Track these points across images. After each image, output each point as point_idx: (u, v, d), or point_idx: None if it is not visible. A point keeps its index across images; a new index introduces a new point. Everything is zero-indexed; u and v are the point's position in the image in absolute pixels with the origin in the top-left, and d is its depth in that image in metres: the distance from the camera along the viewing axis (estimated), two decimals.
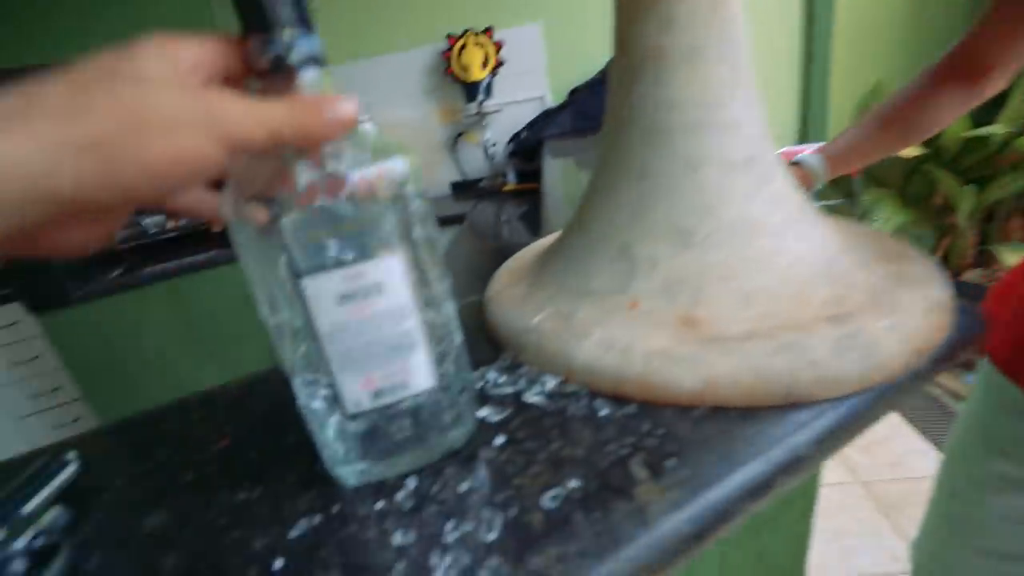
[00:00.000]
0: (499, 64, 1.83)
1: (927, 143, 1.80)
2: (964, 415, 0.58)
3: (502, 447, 0.29)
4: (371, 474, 0.28)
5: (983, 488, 0.54)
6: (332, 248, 0.24)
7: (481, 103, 1.83)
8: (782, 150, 2.06)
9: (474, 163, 1.96)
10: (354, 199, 0.23)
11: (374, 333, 0.25)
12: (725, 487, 0.24)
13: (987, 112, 1.70)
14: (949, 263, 1.86)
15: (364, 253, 0.24)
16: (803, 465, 0.26)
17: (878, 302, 0.33)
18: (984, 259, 1.83)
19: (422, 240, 0.26)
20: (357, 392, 0.26)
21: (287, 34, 0.21)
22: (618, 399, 0.32)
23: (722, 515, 0.24)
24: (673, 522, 0.23)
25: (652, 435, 0.28)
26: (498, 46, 1.81)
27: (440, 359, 0.28)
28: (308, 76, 0.22)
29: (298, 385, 0.27)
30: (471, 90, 1.83)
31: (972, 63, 0.55)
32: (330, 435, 0.28)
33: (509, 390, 0.34)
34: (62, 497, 0.31)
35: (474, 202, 1.76)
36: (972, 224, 1.76)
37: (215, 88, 0.19)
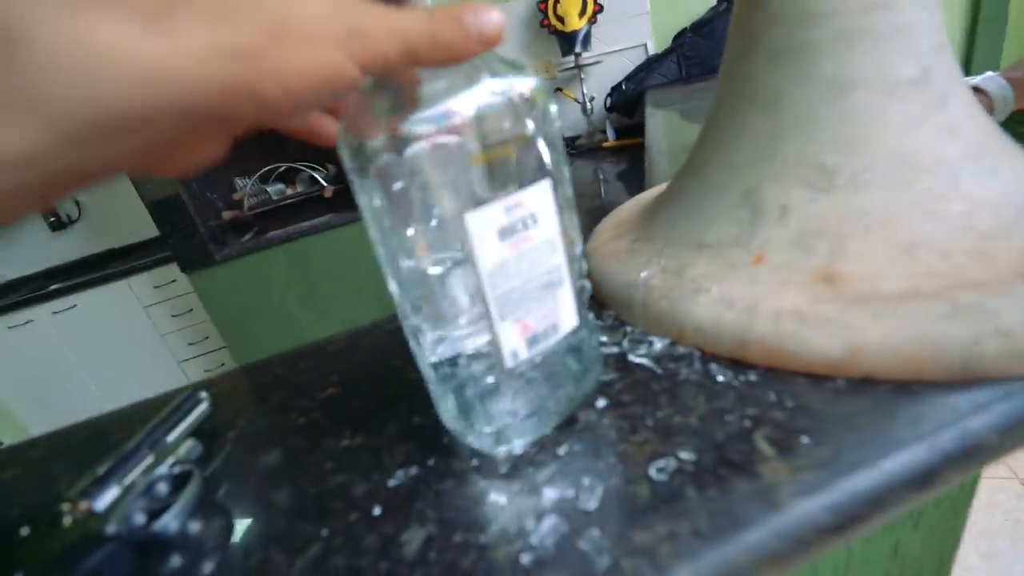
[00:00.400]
0: (598, 11, 1.72)
1: None
2: None
3: (604, 410, 0.27)
4: (514, 436, 0.25)
5: None
6: (487, 177, 0.22)
7: (578, 55, 1.74)
8: None
9: (571, 120, 1.89)
10: (515, 113, 0.21)
11: (530, 270, 0.23)
12: (876, 473, 0.20)
13: None
14: None
15: (520, 179, 0.22)
16: (981, 456, 0.21)
17: None
18: None
19: (556, 165, 0.24)
20: (515, 341, 0.24)
21: None
22: (738, 364, 0.28)
23: (871, 506, 0.20)
24: (808, 508, 0.20)
25: (780, 407, 0.24)
26: None
27: (578, 295, 0.26)
28: None
29: (427, 345, 0.24)
30: (568, 41, 1.74)
31: None
32: (472, 397, 0.25)
33: (612, 350, 0.32)
34: (196, 431, 0.35)
35: (571, 160, 1.70)
36: None
37: None
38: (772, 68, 0.32)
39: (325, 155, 1.99)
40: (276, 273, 1.77)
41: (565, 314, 0.25)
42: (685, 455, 0.23)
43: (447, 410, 0.26)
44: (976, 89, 0.54)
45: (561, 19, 1.73)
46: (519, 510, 0.22)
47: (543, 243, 0.23)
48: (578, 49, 1.74)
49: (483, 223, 0.21)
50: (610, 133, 1.71)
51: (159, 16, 0.13)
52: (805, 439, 0.22)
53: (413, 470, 0.27)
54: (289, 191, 2.04)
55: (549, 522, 0.21)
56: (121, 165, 0.16)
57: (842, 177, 0.30)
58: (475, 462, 0.26)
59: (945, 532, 0.44)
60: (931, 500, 0.40)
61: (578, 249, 0.26)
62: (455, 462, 0.26)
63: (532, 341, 0.24)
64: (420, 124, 0.20)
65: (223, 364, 2.08)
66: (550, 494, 0.23)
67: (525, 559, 0.20)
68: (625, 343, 0.32)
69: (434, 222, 0.23)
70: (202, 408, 0.36)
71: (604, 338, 0.33)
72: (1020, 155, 0.31)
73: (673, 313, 0.31)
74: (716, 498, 0.21)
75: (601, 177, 1.58)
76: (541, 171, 0.23)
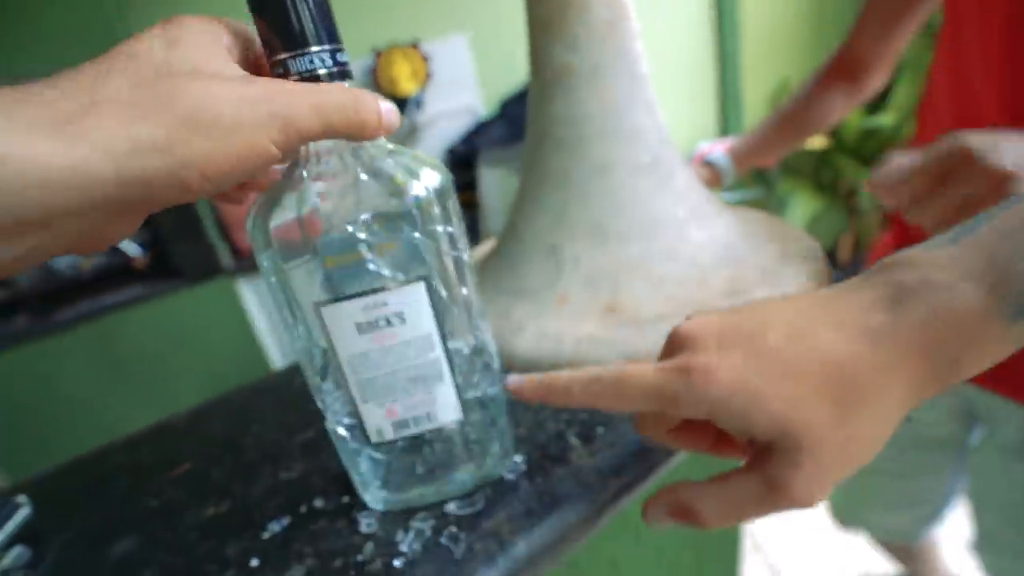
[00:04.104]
0: (428, 77, 1.86)
1: (831, 134, 1.98)
2: None
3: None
4: (397, 502, 0.28)
5: None
6: (352, 275, 0.23)
7: (412, 117, 1.85)
8: (704, 145, 2.20)
9: None
10: (372, 226, 0.23)
11: (395, 363, 0.25)
12: (644, 446, 0.29)
13: (878, 104, 1.89)
14: (860, 242, 2.04)
15: (386, 281, 0.24)
16: None
17: (767, 278, 0.38)
18: None
19: (452, 265, 0.25)
20: (380, 421, 0.26)
21: (316, 49, 0.20)
22: None
23: (647, 468, 0.28)
24: (604, 475, 0.27)
25: (585, 410, 0.32)
26: (425, 59, 1.84)
27: (467, 389, 0.27)
28: None
29: (324, 409, 0.27)
30: (401, 105, 1.85)
31: (852, 64, 0.63)
32: (358, 462, 0.27)
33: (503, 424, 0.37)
34: (20, 537, 0.32)
35: None
36: (875, 205, 1.95)
37: (272, 79, 0.19)
38: (559, 154, 0.42)
39: None
40: (68, 362, 1.48)
41: (444, 407, 0.26)
42: (519, 459, 0.29)
43: (351, 466, 0.28)
44: (708, 163, 0.73)
45: (392, 83, 1.83)
46: (390, 528, 0.26)
47: (413, 340, 0.25)
48: (411, 112, 1.85)
49: (338, 317, 0.23)
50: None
51: (72, 118, 0.14)
52: (601, 429, 0.30)
53: (286, 520, 0.29)
54: (85, 263, 1.76)
55: (415, 530, 0.26)
56: (51, 251, 0.16)
57: (614, 233, 0.40)
58: (347, 499, 0.29)
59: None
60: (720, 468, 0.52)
61: (481, 340, 0.27)
62: (327, 504, 0.29)
63: (400, 425, 0.26)
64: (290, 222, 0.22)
65: None
66: (416, 509, 0.27)
67: (397, 563, 0.24)
68: None
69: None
70: (23, 513, 0.33)
71: None
72: (724, 211, 0.45)
73: (503, 349, 0.38)
74: (542, 484, 0.27)
75: None
76: (417, 273, 0.24)
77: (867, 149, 1.91)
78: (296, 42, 0.20)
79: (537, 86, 0.43)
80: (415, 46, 1.83)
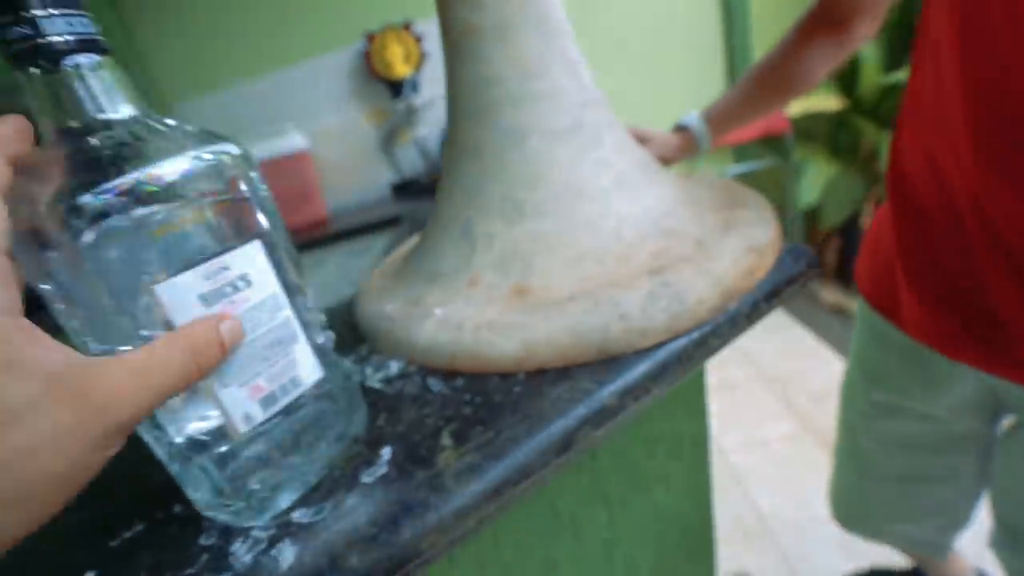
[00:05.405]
0: (423, 57, 1.81)
1: (847, 93, 1.85)
2: (851, 351, 0.61)
3: None
4: (279, 498, 0.25)
5: (866, 417, 0.57)
6: (184, 245, 0.21)
7: (409, 100, 1.81)
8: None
9: (410, 162, 1.95)
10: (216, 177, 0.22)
11: (252, 331, 0.23)
12: (523, 448, 0.25)
13: (899, 58, 1.76)
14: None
15: (228, 243, 0.22)
16: (608, 418, 0.27)
17: (701, 251, 0.34)
18: None
19: (271, 226, 0.24)
20: (245, 405, 0.23)
21: (40, 13, 0.17)
22: (452, 374, 0.32)
23: (520, 474, 0.25)
24: (468, 485, 0.24)
25: (471, 404, 0.29)
26: (418, 40, 1.80)
27: (319, 347, 0.27)
28: (82, 63, 0.19)
29: (152, 426, 0.23)
30: (397, 88, 1.81)
31: (834, 13, 0.57)
32: (211, 471, 0.23)
33: (355, 379, 0.34)
34: None
35: (414, 201, 1.75)
36: None
37: (79, 361, 0.16)
38: (472, 122, 0.38)
39: None
40: None
41: (305, 367, 0.25)
42: (387, 457, 0.26)
43: (199, 494, 0.24)
44: (683, 128, 0.68)
45: (387, 66, 1.79)
46: (228, 537, 0.24)
47: (263, 302, 0.24)
48: (407, 94, 1.82)
49: (177, 293, 0.21)
50: None
51: None
52: (480, 428, 0.27)
53: (140, 526, 0.27)
54: None
55: (254, 538, 0.23)
56: None
57: (528, 207, 0.36)
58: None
59: (697, 487, 0.53)
60: (672, 462, 0.49)
61: (311, 300, 0.27)
62: (184, 509, 0.27)
63: (268, 401, 0.24)
64: (105, 197, 0.18)
65: None
66: (264, 515, 0.25)
67: None
68: (368, 371, 0.35)
69: (144, 300, 0.20)
70: None
71: (352, 368, 0.36)
72: (661, 179, 0.40)
73: (407, 338, 0.35)
74: (397, 490, 0.24)
75: None
76: (249, 233, 0.23)
77: (887, 109, 1.77)
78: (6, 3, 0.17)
79: (446, 50, 0.39)
80: (408, 27, 1.78)
